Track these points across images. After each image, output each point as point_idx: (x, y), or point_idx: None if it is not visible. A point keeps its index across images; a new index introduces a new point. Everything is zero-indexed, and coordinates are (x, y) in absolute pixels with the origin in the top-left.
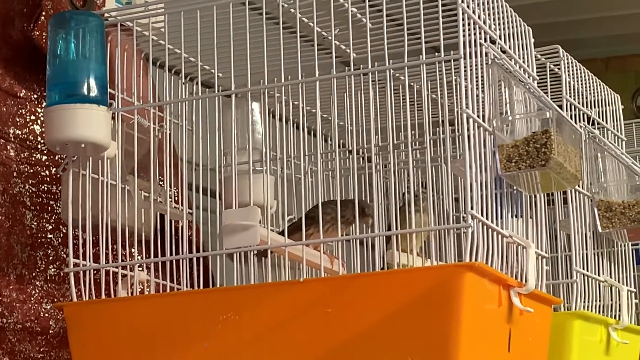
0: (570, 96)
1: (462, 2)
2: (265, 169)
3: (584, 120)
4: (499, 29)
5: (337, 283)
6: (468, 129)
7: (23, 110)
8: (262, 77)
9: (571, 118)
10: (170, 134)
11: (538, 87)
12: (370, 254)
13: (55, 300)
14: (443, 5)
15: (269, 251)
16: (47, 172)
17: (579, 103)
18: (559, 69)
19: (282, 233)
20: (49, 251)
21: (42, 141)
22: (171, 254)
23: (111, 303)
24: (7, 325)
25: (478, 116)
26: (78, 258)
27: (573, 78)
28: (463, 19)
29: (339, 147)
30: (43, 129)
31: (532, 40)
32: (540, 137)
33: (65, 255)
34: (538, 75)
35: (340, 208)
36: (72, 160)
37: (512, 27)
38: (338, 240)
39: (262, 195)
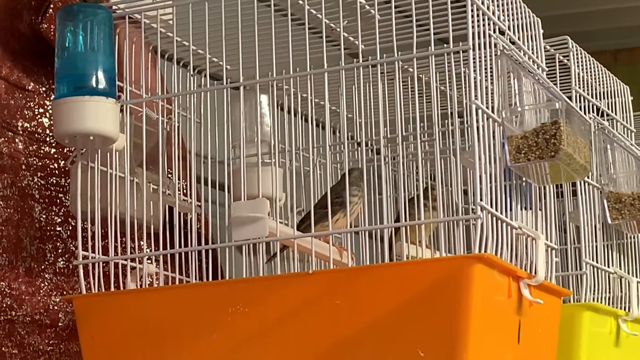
0: (579, 87)
1: None
2: (273, 162)
3: (593, 112)
4: (508, 20)
5: (346, 275)
6: (477, 121)
7: (31, 103)
8: (270, 69)
9: (580, 109)
10: (178, 127)
11: (547, 78)
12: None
13: (64, 292)
14: None
15: (278, 252)
16: (55, 164)
17: (588, 94)
18: (568, 60)
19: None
20: (58, 244)
21: (50, 134)
22: (180, 247)
23: (120, 295)
24: (17, 318)
25: (487, 107)
26: (87, 251)
27: (582, 69)
28: (472, 10)
29: (348, 139)
30: (51, 122)
31: (541, 31)
32: (550, 128)
33: (74, 248)
34: (547, 67)
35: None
36: (80, 153)
37: (521, 19)
38: (346, 232)
39: (271, 187)
